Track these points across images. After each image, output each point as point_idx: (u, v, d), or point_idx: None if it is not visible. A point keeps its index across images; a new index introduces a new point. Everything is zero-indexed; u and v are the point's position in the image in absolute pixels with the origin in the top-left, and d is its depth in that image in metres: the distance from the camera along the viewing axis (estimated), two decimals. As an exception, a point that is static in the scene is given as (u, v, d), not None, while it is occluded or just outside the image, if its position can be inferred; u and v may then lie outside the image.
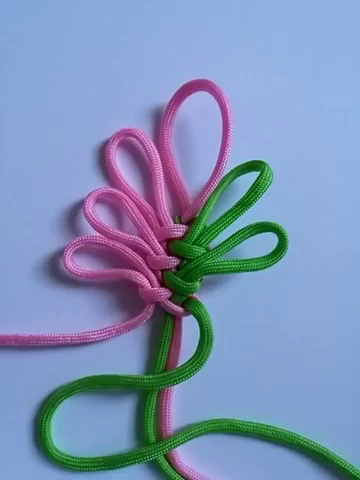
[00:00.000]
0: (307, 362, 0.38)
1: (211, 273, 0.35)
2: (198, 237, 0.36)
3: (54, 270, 0.38)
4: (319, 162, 0.39)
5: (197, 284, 0.36)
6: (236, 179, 0.36)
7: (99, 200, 0.38)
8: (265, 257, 0.36)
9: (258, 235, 0.36)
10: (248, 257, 0.36)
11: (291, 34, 0.39)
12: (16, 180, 0.38)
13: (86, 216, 0.37)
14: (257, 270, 0.35)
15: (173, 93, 0.37)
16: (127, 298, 0.38)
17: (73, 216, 0.38)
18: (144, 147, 0.37)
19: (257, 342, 0.38)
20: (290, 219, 0.37)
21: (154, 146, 0.38)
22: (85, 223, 0.37)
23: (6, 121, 0.39)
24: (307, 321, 0.38)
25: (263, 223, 0.36)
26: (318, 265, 0.38)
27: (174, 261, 0.36)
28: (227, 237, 0.36)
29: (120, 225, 0.38)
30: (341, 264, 0.38)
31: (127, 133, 0.38)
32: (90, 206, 0.37)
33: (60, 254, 0.38)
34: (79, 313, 0.38)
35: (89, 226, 0.37)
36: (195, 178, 0.38)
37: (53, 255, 0.38)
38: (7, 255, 0.38)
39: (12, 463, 0.37)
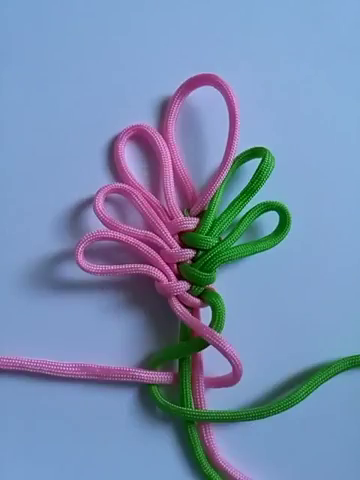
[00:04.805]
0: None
1: (229, 261, 0.36)
2: (211, 228, 0.36)
3: (62, 269, 0.37)
4: (320, 160, 0.39)
5: (214, 274, 0.36)
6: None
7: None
8: (271, 235, 0.37)
9: (257, 228, 0.38)
10: (255, 239, 0.37)
11: (293, 32, 0.39)
12: (24, 178, 0.38)
13: (96, 212, 0.36)
14: (267, 249, 0.36)
15: (178, 87, 0.37)
16: (139, 296, 0.38)
17: (77, 215, 0.37)
18: (154, 142, 0.37)
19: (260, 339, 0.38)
20: (294, 206, 0.37)
21: (164, 140, 0.37)
22: (91, 223, 0.37)
23: (14, 118, 0.38)
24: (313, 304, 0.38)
25: (265, 203, 0.36)
26: (322, 252, 0.38)
27: (189, 253, 0.36)
28: (235, 224, 0.36)
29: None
30: (346, 252, 0.39)
31: (137, 129, 0.37)
32: (100, 202, 0.36)
33: (67, 253, 0.37)
34: (83, 314, 0.37)
35: (96, 226, 0.36)
36: (199, 171, 0.38)
37: (60, 254, 0.37)
38: (12, 253, 0.37)
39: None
